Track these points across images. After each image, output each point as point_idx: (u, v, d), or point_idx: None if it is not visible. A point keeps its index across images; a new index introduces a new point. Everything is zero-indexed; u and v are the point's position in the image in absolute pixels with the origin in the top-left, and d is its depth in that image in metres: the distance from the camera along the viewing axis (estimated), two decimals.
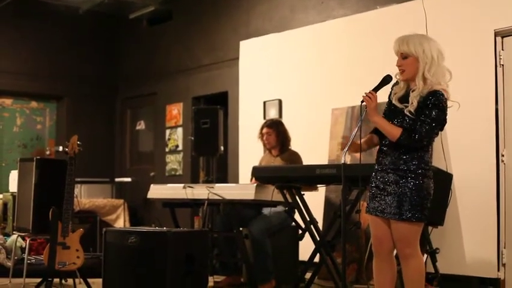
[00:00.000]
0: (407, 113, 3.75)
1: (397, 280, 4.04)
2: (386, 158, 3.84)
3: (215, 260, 6.61)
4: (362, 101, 3.85)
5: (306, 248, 5.67)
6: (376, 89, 3.88)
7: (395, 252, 3.99)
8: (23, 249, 6.80)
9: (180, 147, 9.68)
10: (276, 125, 6.40)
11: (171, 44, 10.01)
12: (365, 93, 3.84)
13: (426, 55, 3.76)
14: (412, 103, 3.74)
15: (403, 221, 3.74)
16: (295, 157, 6.24)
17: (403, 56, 3.82)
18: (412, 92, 3.78)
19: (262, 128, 6.40)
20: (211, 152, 7.60)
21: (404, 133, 3.74)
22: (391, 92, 4.00)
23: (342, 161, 3.93)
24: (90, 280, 5.63)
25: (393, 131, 3.77)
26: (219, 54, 9.18)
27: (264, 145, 6.42)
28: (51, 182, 5.97)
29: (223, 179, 8.57)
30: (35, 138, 10.39)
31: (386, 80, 3.90)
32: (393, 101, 3.88)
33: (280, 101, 7.89)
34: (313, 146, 7.02)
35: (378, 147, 3.97)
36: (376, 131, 3.99)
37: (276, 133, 6.31)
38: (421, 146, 3.78)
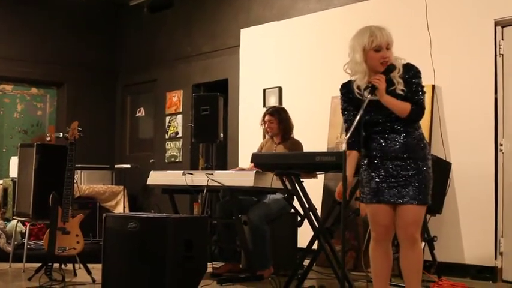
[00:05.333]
0: (401, 92, 3.78)
1: (395, 266, 4.07)
2: (388, 147, 3.84)
3: (214, 247, 6.62)
4: (365, 88, 3.84)
5: (304, 235, 5.69)
6: (383, 74, 3.88)
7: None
8: (23, 234, 6.83)
9: (180, 134, 9.69)
10: (278, 112, 6.35)
11: (172, 31, 10.00)
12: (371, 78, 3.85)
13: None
14: (399, 82, 3.80)
15: (419, 205, 3.77)
16: (297, 146, 6.20)
17: (388, 47, 3.86)
18: (392, 74, 3.81)
19: (264, 115, 6.37)
20: (211, 139, 7.60)
21: (413, 106, 3.78)
22: (349, 94, 4.06)
23: (342, 149, 3.94)
24: (89, 265, 5.66)
25: (405, 107, 3.79)
26: (219, 42, 9.17)
27: (266, 132, 6.40)
28: (52, 167, 5.99)
29: (223, 166, 8.59)
30: (36, 124, 10.40)
31: (390, 68, 3.89)
32: (368, 96, 3.81)
33: (280, 89, 7.91)
34: (313, 134, 7.03)
35: (375, 136, 3.93)
36: (354, 143, 3.95)
37: (278, 121, 6.27)
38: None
